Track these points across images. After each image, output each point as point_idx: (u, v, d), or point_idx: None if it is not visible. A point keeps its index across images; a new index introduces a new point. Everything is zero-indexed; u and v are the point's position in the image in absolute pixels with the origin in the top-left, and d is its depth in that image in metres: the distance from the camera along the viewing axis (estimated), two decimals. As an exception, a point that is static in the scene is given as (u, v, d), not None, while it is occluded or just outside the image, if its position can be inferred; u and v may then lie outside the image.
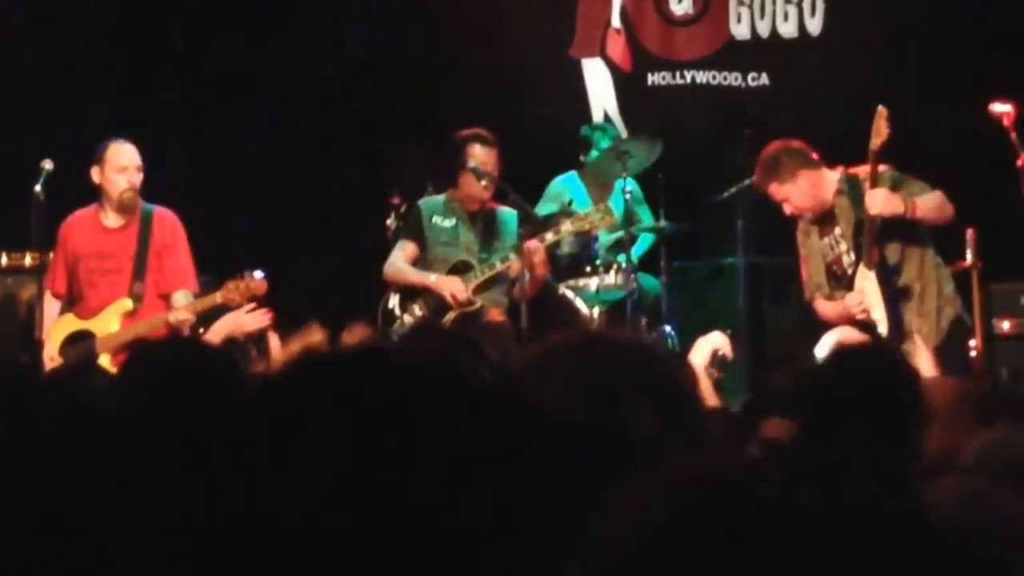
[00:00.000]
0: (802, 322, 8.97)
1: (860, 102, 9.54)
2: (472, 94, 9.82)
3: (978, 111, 7.42)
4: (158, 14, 9.96)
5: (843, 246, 7.06)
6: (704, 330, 8.62)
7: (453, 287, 7.93)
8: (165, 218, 7.48)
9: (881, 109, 6.86)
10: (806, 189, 7.04)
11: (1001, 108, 7.22)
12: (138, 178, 7.35)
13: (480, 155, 8.04)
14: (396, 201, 8.93)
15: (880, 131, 6.83)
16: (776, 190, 7.10)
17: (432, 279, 8.01)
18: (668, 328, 8.58)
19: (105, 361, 7.13)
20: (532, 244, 7.84)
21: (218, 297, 7.23)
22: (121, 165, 7.33)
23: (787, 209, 7.14)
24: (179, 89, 9.90)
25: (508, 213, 8.19)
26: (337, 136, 10.06)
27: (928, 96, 9.40)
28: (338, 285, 8.77)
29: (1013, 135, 7.18)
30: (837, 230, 7.05)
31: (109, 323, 7.25)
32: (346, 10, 10.14)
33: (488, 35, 10.21)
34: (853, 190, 6.98)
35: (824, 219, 7.11)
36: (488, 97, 9.71)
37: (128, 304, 7.29)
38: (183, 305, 7.30)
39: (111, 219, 7.42)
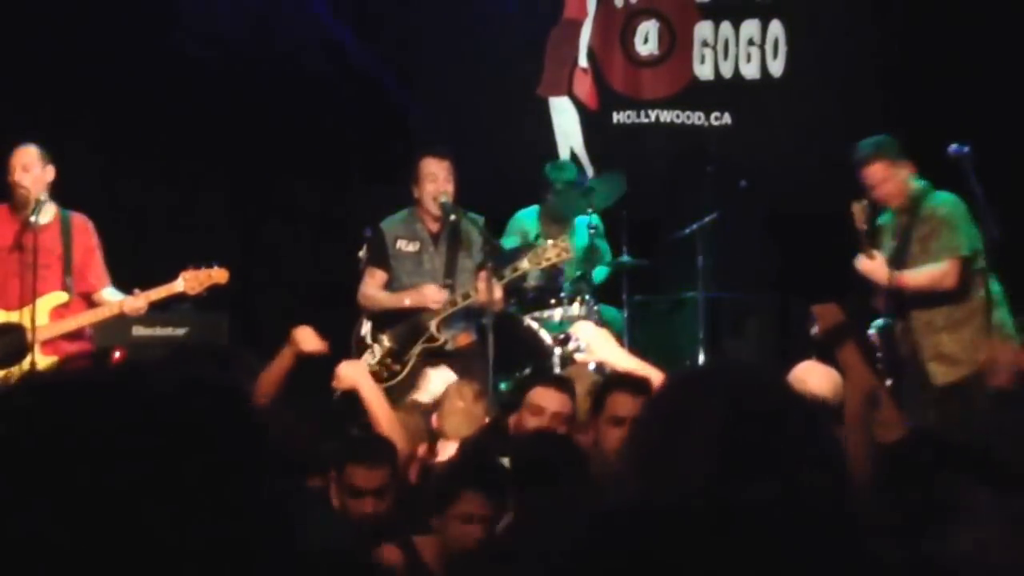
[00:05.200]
0: (760, 354, 9.21)
1: (820, 143, 9.84)
2: (442, 129, 9.98)
3: (936, 152, 7.62)
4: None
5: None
6: (665, 362, 8.92)
7: (431, 296, 7.99)
8: (86, 223, 7.80)
9: (856, 206, 7.25)
10: (903, 178, 7.44)
11: (958, 149, 7.40)
12: (27, 177, 7.59)
13: (432, 167, 8.06)
14: (368, 233, 9.01)
15: (859, 220, 7.27)
16: (880, 169, 7.49)
17: (407, 301, 8.02)
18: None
19: (36, 351, 7.42)
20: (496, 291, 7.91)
21: (177, 286, 7.55)
22: (21, 164, 7.64)
23: (878, 192, 7.51)
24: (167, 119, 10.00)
25: (472, 223, 8.14)
26: (310, 168, 10.21)
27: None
28: (313, 314, 8.85)
29: (970, 175, 7.37)
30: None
31: (38, 315, 7.45)
32: (316, 43, 10.27)
33: (458, 71, 10.40)
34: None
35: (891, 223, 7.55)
36: (457, 132, 9.86)
37: (64, 297, 7.58)
38: (140, 294, 7.57)
39: (25, 216, 7.60)
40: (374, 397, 6.25)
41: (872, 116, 9.67)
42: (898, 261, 7.48)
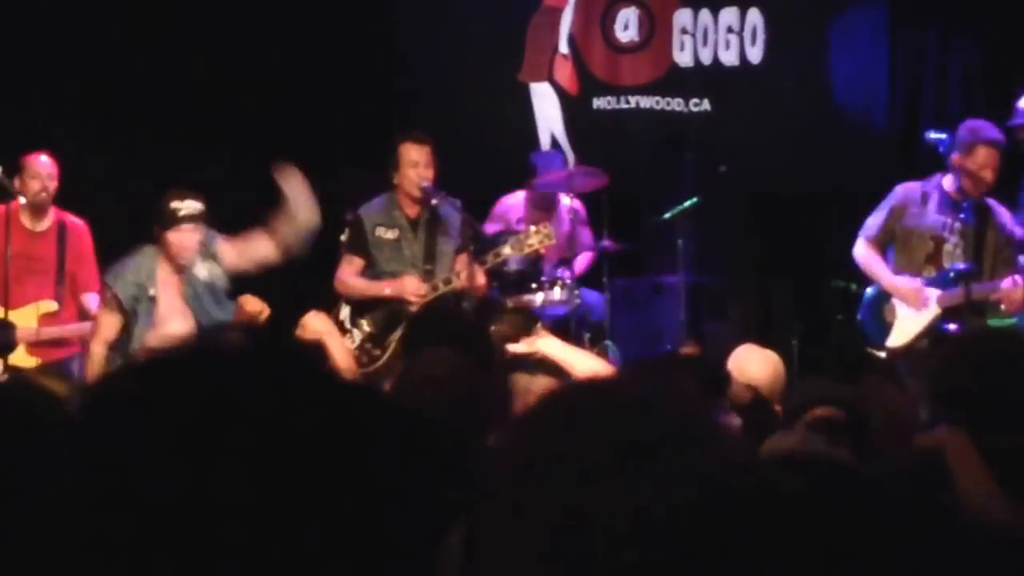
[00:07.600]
0: (741, 338, 9.27)
1: (798, 128, 9.93)
2: (423, 114, 10.01)
3: (914, 140, 7.68)
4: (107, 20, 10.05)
5: None
6: (647, 347, 9.00)
7: (410, 288, 7.96)
8: (80, 229, 8.08)
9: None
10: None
11: (937, 136, 7.44)
12: (52, 184, 7.91)
13: (412, 152, 8.06)
14: (349, 217, 9.03)
15: None
16: (995, 156, 7.31)
17: (387, 290, 8.03)
18: (610, 344, 8.81)
19: (21, 351, 7.76)
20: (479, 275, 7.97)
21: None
22: (47, 172, 7.90)
23: (988, 176, 7.30)
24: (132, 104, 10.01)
25: (450, 210, 8.14)
26: (289, 153, 10.21)
27: (864, 125, 9.71)
28: (291, 300, 8.89)
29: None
30: None
31: (29, 318, 7.80)
32: (297, 29, 10.30)
33: (439, 57, 10.44)
34: None
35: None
36: (438, 117, 9.90)
37: (53, 306, 7.89)
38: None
39: (31, 222, 7.94)
40: (339, 350, 6.30)
41: (847, 104, 9.76)
42: None
